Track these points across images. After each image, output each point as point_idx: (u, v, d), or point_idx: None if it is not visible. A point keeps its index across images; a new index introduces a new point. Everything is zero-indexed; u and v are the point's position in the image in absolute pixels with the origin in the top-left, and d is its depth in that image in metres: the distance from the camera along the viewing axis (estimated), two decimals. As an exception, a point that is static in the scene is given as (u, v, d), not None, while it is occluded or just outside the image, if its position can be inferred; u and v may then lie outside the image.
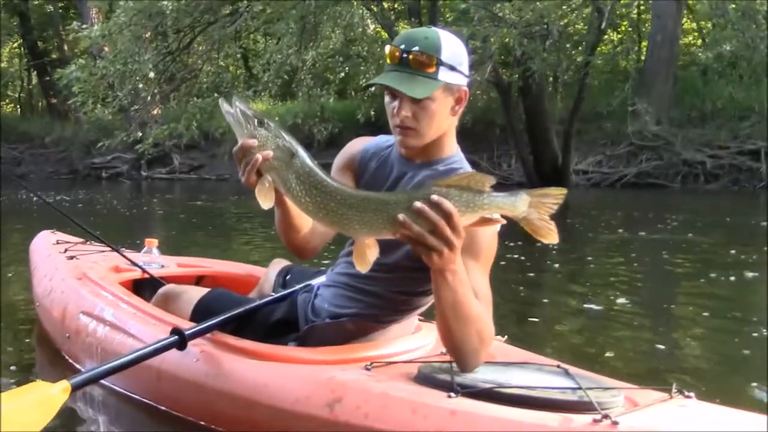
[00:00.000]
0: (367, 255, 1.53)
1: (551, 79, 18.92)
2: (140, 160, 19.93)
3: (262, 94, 16.40)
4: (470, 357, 1.64)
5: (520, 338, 2.72)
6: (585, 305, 3.88)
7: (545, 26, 13.75)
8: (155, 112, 17.30)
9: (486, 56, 14.16)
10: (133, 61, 12.96)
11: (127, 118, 16.31)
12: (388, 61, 1.80)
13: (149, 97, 13.85)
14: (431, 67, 1.73)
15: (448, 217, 1.46)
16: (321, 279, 2.18)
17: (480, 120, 17.65)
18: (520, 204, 1.48)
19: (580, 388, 1.54)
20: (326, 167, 1.63)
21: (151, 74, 13.10)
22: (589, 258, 6.08)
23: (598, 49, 16.77)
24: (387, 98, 1.84)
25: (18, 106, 33.71)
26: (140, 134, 14.93)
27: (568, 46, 16.49)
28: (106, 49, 14.48)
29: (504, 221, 1.52)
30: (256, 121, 1.52)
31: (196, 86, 14.75)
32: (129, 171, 20.68)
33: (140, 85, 13.37)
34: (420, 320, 2.12)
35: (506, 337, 2.10)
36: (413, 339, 1.98)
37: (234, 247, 6.56)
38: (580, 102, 15.96)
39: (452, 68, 1.77)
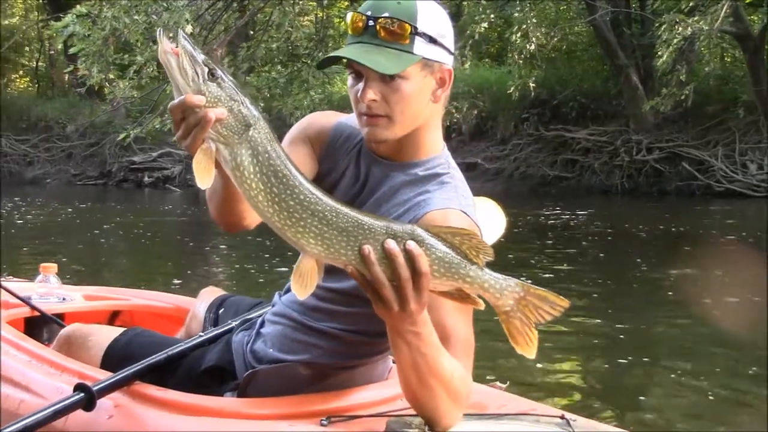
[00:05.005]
0: (310, 278, 1.62)
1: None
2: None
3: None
4: (442, 418, 1.77)
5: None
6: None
7: None
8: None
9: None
10: (160, 8, 10.99)
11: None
12: (350, 31, 1.90)
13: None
14: (404, 38, 1.85)
15: (417, 275, 1.57)
16: (263, 311, 2.32)
17: (711, 96, 15.54)
18: (508, 296, 1.62)
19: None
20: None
21: (189, 27, 10.78)
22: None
23: None
24: (350, 80, 1.93)
25: (36, 81, 28.31)
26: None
27: None
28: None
29: (482, 306, 1.63)
30: (206, 71, 1.52)
31: (262, 47, 12.73)
32: (182, 175, 19.19)
33: (171, 46, 11.83)
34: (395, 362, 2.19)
35: (507, 383, 2.36)
36: (383, 387, 2.12)
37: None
38: None
39: (432, 41, 1.88)
